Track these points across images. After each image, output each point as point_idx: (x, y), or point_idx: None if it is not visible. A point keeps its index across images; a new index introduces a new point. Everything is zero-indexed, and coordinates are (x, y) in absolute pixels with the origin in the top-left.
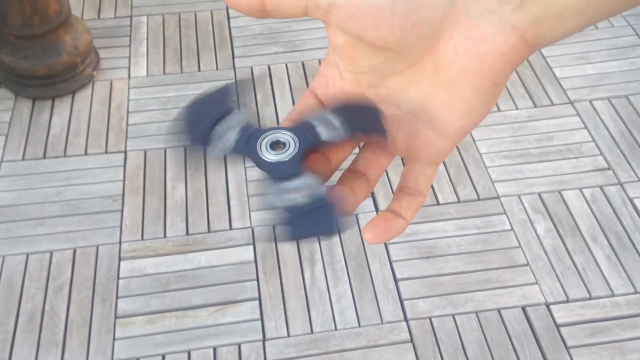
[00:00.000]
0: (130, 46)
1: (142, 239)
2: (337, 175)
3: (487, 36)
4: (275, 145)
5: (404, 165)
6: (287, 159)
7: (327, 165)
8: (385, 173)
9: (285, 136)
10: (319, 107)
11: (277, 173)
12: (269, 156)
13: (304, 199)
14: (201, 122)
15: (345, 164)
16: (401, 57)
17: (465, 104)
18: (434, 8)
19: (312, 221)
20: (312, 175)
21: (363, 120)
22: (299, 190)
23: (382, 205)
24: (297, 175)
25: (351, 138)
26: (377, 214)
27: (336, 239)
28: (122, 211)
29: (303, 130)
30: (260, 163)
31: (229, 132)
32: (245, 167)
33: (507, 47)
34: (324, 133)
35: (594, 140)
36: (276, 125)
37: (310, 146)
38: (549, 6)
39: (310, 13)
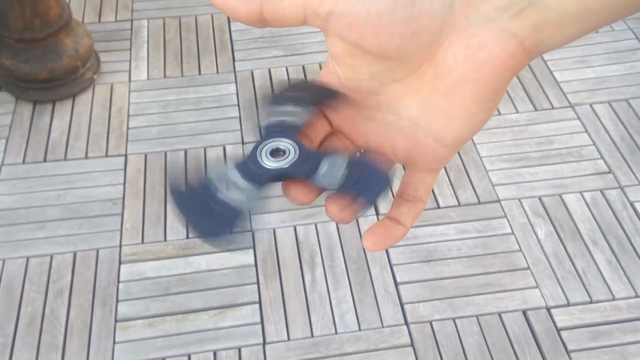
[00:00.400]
0: (130, 50)
1: (143, 242)
2: None
3: (487, 44)
4: (275, 152)
5: (404, 170)
6: (264, 169)
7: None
8: None
9: (286, 144)
10: (338, 148)
11: (252, 176)
12: (268, 162)
13: (227, 199)
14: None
15: None
16: (401, 64)
17: (464, 111)
18: (434, 16)
19: (211, 218)
20: (259, 190)
21: (366, 186)
22: (240, 191)
23: (383, 208)
24: (260, 184)
25: (341, 191)
26: (377, 217)
27: (337, 241)
28: (122, 214)
29: (307, 159)
30: (257, 167)
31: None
32: None
33: (506, 55)
34: (321, 178)
35: (594, 144)
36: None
37: (299, 176)
38: (548, 13)
39: (310, 22)
